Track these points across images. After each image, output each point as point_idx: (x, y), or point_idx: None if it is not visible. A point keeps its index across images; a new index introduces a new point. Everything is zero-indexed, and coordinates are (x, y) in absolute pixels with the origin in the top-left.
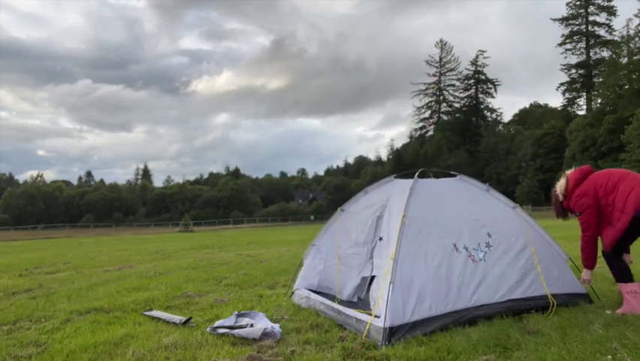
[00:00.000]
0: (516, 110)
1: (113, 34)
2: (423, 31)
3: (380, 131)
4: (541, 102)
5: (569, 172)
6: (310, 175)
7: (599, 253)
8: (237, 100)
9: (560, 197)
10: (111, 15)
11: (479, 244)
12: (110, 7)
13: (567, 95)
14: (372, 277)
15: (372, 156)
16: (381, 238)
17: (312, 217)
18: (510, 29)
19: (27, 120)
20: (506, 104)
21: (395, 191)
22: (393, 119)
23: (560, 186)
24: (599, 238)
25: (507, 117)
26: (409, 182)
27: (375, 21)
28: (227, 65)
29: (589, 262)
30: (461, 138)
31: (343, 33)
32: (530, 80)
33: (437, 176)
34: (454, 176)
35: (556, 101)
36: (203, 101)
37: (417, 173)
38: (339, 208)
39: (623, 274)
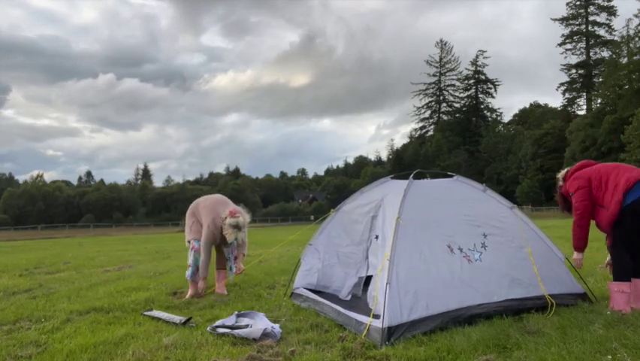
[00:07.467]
0: (516, 110)
1: (130, 32)
2: (449, 29)
3: (395, 128)
4: (541, 102)
5: None
6: (310, 175)
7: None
8: (251, 99)
9: (560, 181)
10: (128, 13)
11: (475, 244)
12: (127, 4)
13: (567, 95)
14: (369, 276)
15: (372, 157)
16: (377, 237)
17: (312, 217)
18: (524, 28)
19: (36, 120)
20: (509, 104)
21: (390, 192)
22: (409, 117)
23: (562, 172)
24: (596, 224)
25: (507, 117)
26: (403, 183)
27: (402, 18)
28: (244, 63)
29: (578, 242)
30: (461, 138)
31: (370, 29)
32: (532, 80)
33: (435, 176)
34: (451, 176)
35: (556, 101)
36: (214, 99)
37: (412, 174)
38: (331, 210)
39: (623, 271)
